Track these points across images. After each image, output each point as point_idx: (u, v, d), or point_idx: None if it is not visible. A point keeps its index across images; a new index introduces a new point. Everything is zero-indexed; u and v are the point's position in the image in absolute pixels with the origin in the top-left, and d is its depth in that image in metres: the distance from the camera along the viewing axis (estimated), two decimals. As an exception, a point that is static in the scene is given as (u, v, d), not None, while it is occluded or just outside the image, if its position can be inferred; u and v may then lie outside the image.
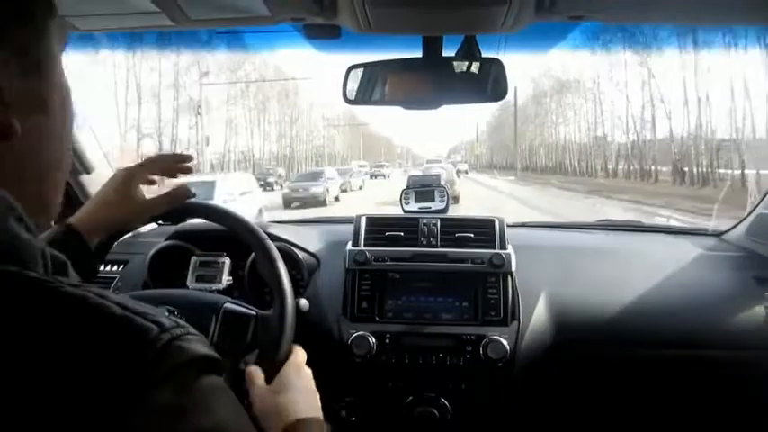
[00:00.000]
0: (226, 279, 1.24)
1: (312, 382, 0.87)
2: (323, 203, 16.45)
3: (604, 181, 25.12)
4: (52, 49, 0.46)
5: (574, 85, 31.87)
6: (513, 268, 1.30)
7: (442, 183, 1.55)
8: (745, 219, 1.56)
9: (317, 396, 0.86)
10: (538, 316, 1.29)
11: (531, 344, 1.26)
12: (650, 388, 1.34)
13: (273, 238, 1.05)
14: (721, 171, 19.92)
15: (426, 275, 1.31)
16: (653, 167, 24.22)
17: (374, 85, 1.09)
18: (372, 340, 1.23)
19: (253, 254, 1.15)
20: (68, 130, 0.49)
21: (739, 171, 18.15)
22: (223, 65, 30.35)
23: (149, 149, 26.38)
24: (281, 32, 1.09)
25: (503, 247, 1.33)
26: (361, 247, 1.34)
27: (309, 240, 1.45)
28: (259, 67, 32.75)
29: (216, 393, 0.39)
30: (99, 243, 0.89)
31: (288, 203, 16.36)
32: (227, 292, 1.19)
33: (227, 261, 1.26)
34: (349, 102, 1.10)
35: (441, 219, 1.40)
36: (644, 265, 1.43)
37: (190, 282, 1.24)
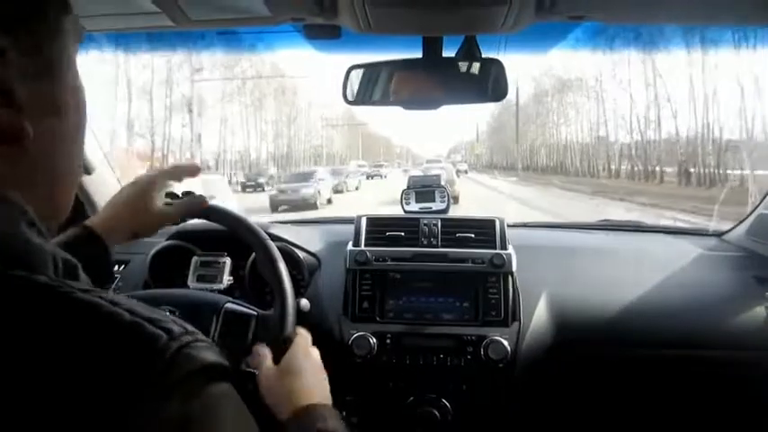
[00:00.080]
0: (226, 279, 1.24)
1: (319, 363, 0.86)
2: (313, 206, 15.41)
3: (607, 182, 24.67)
4: (67, 48, 0.45)
5: (576, 84, 31.55)
6: (514, 268, 1.30)
7: (442, 183, 1.55)
8: (745, 219, 1.56)
9: (326, 378, 0.84)
10: (538, 316, 1.29)
11: (532, 344, 1.26)
12: (651, 388, 1.34)
13: (274, 238, 1.05)
14: (729, 172, 19.45)
15: (427, 276, 1.31)
16: (657, 168, 23.79)
17: (374, 86, 1.09)
18: (373, 340, 1.23)
19: (253, 254, 1.15)
20: (82, 133, 0.49)
21: (748, 171, 17.86)
22: (218, 61, 29.63)
23: (142, 148, 25.94)
24: (282, 33, 1.09)
25: (503, 247, 1.33)
26: (362, 248, 1.34)
27: (310, 240, 1.45)
28: (256, 63, 32.11)
29: (223, 401, 0.39)
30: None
31: (275, 206, 15.38)
32: (227, 292, 1.19)
33: (228, 261, 1.26)
34: (349, 102, 1.10)
35: (441, 219, 1.40)
36: (645, 266, 1.44)
37: (191, 282, 1.25)
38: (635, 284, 1.36)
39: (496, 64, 1.04)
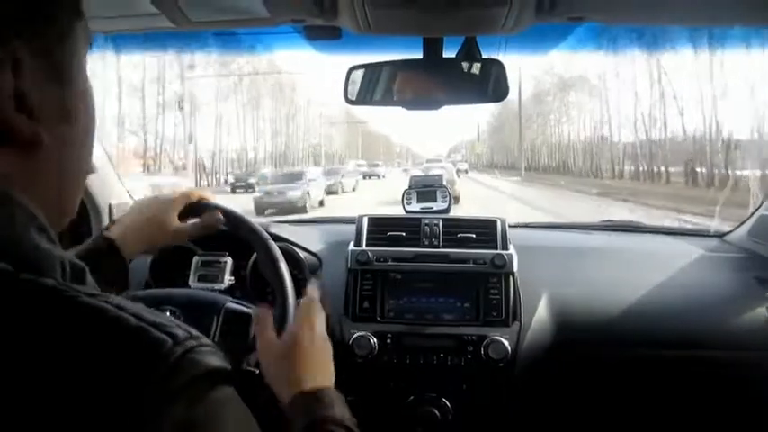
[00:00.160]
0: (228, 279, 1.25)
1: (324, 336, 0.80)
2: (302, 210, 14.03)
3: (611, 182, 24.14)
4: (78, 53, 0.45)
5: (578, 83, 31.24)
6: (515, 269, 1.30)
7: (443, 183, 1.55)
8: (747, 220, 1.56)
9: (330, 351, 0.79)
10: (539, 316, 1.30)
11: (533, 344, 1.26)
12: (652, 388, 1.34)
13: (275, 237, 1.06)
14: (739, 173, 18.30)
15: (428, 276, 1.31)
16: (663, 168, 23.21)
17: (375, 86, 1.09)
18: (374, 340, 1.23)
19: (255, 254, 1.15)
20: (91, 137, 0.49)
21: (749, 172, 17.46)
22: (213, 58, 28.41)
23: (134, 146, 25.33)
24: (282, 33, 1.09)
25: (504, 247, 1.33)
26: (363, 248, 1.34)
27: (311, 240, 1.45)
28: (252, 60, 31.02)
29: (227, 406, 0.39)
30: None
31: (261, 210, 14.12)
32: (229, 292, 1.19)
33: (229, 261, 1.26)
34: (350, 102, 1.10)
35: (443, 219, 1.40)
36: (646, 266, 1.43)
37: (192, 281, 1.25)
38: (636, 285, 1.36)
39: (497, 64, 1.04)
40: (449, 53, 1.03)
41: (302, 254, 1.37)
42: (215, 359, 0.38)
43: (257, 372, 0.89)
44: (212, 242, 1.29)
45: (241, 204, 12.33)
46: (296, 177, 16.55)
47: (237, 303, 0.98)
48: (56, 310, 0.36)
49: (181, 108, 26.33)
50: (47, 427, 0.32)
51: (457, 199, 13.55)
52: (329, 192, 18.55)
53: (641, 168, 24.86)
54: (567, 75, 32.18)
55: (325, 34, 0.98)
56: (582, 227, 1.84)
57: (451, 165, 27.40)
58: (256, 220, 1.06)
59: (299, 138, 39.22)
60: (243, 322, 0.95)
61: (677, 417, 1.38)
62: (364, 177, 30.78)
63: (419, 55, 1.03)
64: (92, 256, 0.82)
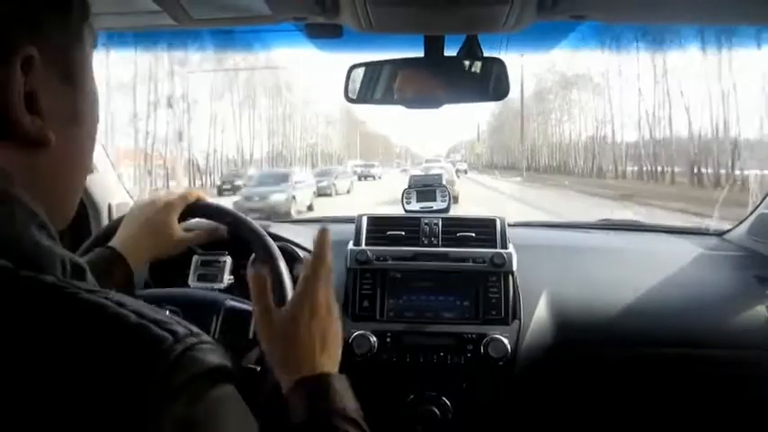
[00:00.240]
0: (227, 278, 1.24)
1: (330, 310, 0.68)
2: (286, 215, 11.41)
3: (614, 182, 23.68)
4: (85, 53, 0.46)
5: (580, 81, 30.92)
6: (515, 267, 1.30)
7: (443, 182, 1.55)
8: (746, 218, 1.56)
9: (337, 332, 0.68)
10: (539, 315, 1.30)
11: (532, 343, 1.26)
12: (651, 387, 1.35)
13: (275, 237, 1.06)
14: (747, 173, 17.54)
15: (427, 275, 1.31)
16: (667, 168, 22.87)
17: (376, 85, 1.09)
18: (373, 339, 1.23)
19: (254, 253, 1.15)
20: (94, 138, 0.49)
21: (747, 171, 17.02)
22: (205, 53, 26.93)
23: (125, 145, 24.56)
24: (283, 31, 1.09)
25: (504, 246, 1.33)
26: (363, 247, 1.34)
27: (310, 239, 1.44)
28: (247, 56, 29.62)
29: (227, 404, 0.39)
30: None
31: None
32: (228, 291, 1.19)
33: (229, 260, 1.26)
34: (351, 101, 1.10)
35: (442, 218, 1.40)
36: (645, 265, 1.44)
37: (191, 281, 1.24)
38: (635, 284, 1.36)
39: (498, 63, 1.04)
40: (450, 51, 1.03)
41: (302, 253, 1.37)
42: (215, 357, 0.38)
43: (258, 369, 0.89)
44: (212, 242, 1.29)
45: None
46: (281, 179, 14.87)
47: (237, 301, 0.98)
48: (56, 307, 0.36)
49: (170, 106, 25.57)
50: (47, 425, 0.32)
51: (456, 198, 13.55)
52: (321, 194, 17.36)
53: (645, 168, 24.56)
54: (570, 72, 31.96)
55: (326, 32, 0.98)
56: (581, 226, 1.84)
57: (451, 165, 27.38)
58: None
59: (297, 137, 38.98)
60: (243, 320, 0.95)
61: (677, 416, 1.38)
62: (359, 178, 29.31)
63: (420, 53, 1.03)
64: (99, 267, 0.82)
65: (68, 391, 0.33)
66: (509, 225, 1.40)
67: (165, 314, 0.39)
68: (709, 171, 20.67)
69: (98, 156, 1.45)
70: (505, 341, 1.21)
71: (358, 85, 1.09)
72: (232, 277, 1.26)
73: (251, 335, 0.94)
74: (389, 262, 1.31)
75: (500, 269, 1.28)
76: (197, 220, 1.05)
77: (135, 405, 0.33)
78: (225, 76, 30.44)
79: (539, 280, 1.35)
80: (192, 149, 27.41)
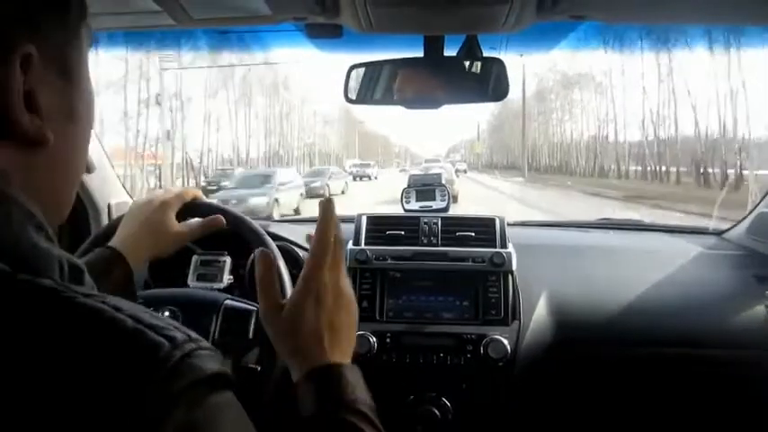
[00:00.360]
0: (227, 278, 1.24)
1: (344, 292, 0.62)
2: (268, 219, 10.97)
3: (617, 182, 23.35)
4: (82, 52, 0.46)
5: (582, 80, 30.64)
6: (514, 267, 1.30)
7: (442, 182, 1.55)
8: (746, 217, 1.56)
9: (353, 317, 0.63)
10: (538, 315, 1.30)
11: (532, 343, 1.26)
12: (651, 387, 1.35)
13: (274, 236, 1.06)
14: (756, 173, 17.08)
15: (427, 274, 1.31)
16: (672, 168, 22.56)
17: (375, 85, 1.09)
18: (373, 339, 1.23)
19: (253, 253, 1.15)
20: (89, 137, 0.49)
21: (748, 171, 16.87)
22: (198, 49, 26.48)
23: (116, 144, 23.93)
24: (283, 31, 1.09)
25: (503, 245, 1.33)
26: (362, 246, 1.34)
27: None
28: (243, 55, 28.82)
29: (225, 411, 0.38)
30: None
31: None
32: (228, 291, 1.19)
33: (228, 260, 1.26)
34: (351, 101, 1.10)
35: (441, 218, 1.40)
36: (644, 264, 1.44)
37: (191, 281, 1.24)
38: (635, 283, 1.36)
39: (498, 63, 1.04)
40: (450, 51, 1.03)
41: (301, 252, 1.37)
42: (214, 363, 0.38)
43: (258, 369, 0.89)
44: (211, 241, 1.28)
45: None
46: (263, 180, 13.82)
47: (237, 300, 0.98)
48: (53, 312, 0.35)
49: (158, 104, 24.55)
50: (42, 430, 0.32)
51: (455, 198, 13.53)
52: (313, 195, 16.01)
53: (649, 168, 24.28)
54: (572, 71, 31.72)
55: (326, 33, 0.98)
56: (581, 225, 1.84)
57: (450, 165, 27.36)
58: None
59: (294, 137, 38.63)
60: (243, 320, 0.95)
61: (676, 415, 1.38)
62: (354, 179, 28.27)
63: (420, 53, 1.03)
64: (99, 268, 0.82)
65: (64, 398, 0.33)
66: (508, 224, 1.40)
67: (163, 318, 0.38)
68: (716, 171, 20.42)
69: (97, 155, 1.45)
70: (505, 342, 1.21)
71: (358, 86, 1.09)
72: (231, 277, 1.26)
73: (251, 335, 0.94)
74: (389, 261, 1.31)
75: (500, 269, 1.28)
76: (196, 219, 1.05)
77: (132, 411, 0.33)
78: (219, 73, 29.87)
79: (538, 279, 1.35)
80: (185, 148, 27.04)
